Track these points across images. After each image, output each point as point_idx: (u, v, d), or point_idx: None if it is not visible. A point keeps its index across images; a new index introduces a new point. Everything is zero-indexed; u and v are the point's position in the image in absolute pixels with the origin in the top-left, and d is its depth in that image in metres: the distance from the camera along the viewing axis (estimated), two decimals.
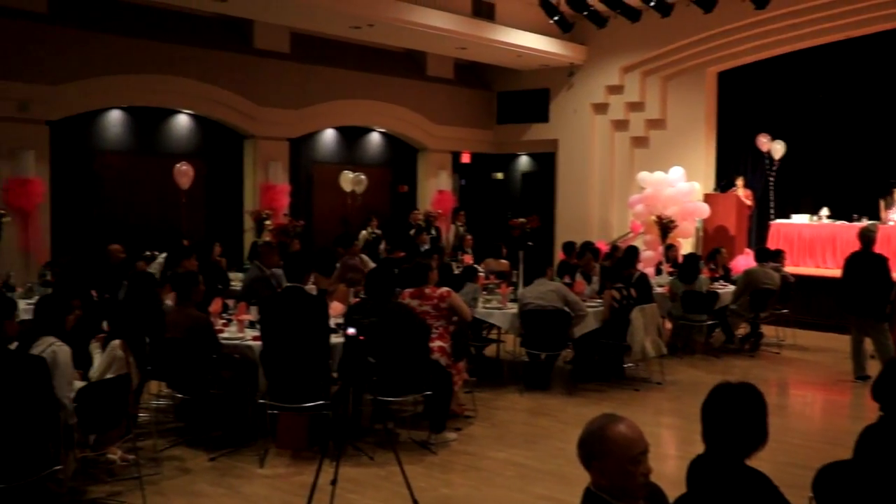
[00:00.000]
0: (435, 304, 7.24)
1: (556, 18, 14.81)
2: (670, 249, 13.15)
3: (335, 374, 6.93)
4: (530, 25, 16.40)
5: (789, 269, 12.40)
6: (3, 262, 10.77)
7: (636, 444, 2.84)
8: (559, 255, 12.97)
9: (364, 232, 15.60)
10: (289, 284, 6.90)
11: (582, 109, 18.12)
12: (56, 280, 9.21)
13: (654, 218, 15.25)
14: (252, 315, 7.54)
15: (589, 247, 11.42)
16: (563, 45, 17.17)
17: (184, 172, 13.49)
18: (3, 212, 11.38)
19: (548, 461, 6.80)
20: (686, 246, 15.21)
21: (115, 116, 13.78)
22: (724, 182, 16.50)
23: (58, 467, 5.10)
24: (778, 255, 11.89)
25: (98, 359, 6.31)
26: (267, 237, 13.17)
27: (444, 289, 7.39)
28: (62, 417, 5.08)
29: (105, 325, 7.11)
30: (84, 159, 13.40)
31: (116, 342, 6.25)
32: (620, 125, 17.88)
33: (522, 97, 19.13)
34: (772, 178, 16.10)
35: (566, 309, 8.66)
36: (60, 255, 10.91)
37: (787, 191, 16.29)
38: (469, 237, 15.41)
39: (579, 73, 18.02)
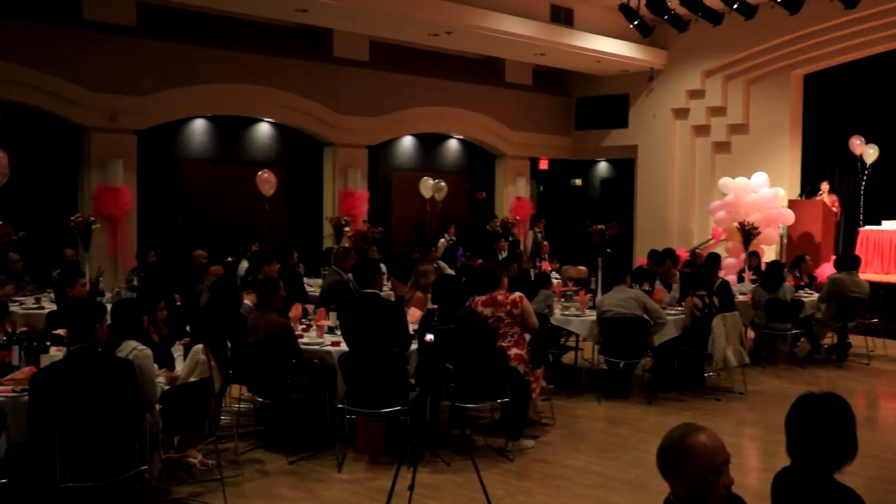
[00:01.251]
0: (508, 310, 7.19)
1: (635, 23, 14.64)
2: (753, 257, 12.86)
3: (413, 380, 6.95)
4: (609, 30, 16.26)
5: (880, 277, 11.99)
6: (92, 268, 11.10)
7: (717, 454, 2.77)
8: (639, 261, 12.82)
9: (443, 239, 15.68)
10: (366, 291, 6.97)
11: (662, 115, 17.89)
12: (142, 285, 9.44)
13: (736, 224, 14.92)
14: (331, 320, 7.62)
15: (669, 254, 11.24)
16: (643, 49, 16.99)
17: (266, 180, 13.73)
18: (93, 219, 11.74)
19: (626, 471, 6.71)
20: (769, 253, 14.86)
21: (198, 125, 14.12)
22: (809, 188, 16.07)
23: (144, 467, 5.22)
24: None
25: (180, 362, 6.46)
26: (346, 243, 13.30)
27: (517, 294, 7.33)
28: (148, 419, 5.20)
29: (188, 328, 7.27)
30: (169, 167, 13.76)
31: (199, 346, 6.38)
32: (701, 130, 17.59)
33: (601, 103, 18.97)
34: (863, 183, 15.61)
35: (645, 317, 8.53)
36: (145, 254, 11.20)
37: (877, 196, 15.77)
38: (546, 244, 15.33)
39: (659, 77, 17.80)
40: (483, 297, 7.29)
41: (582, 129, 19.45)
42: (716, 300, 9.14)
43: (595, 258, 11.27)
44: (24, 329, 7.26)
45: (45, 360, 5.64)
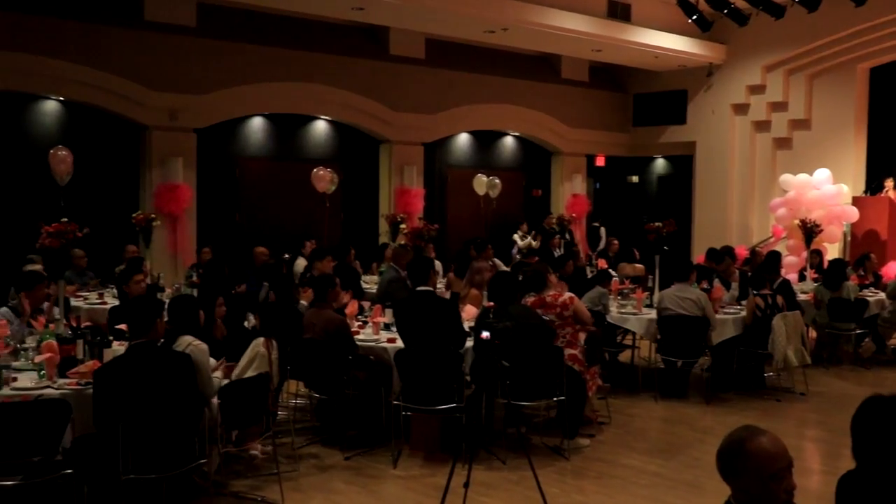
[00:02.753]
0: (559, 311, 7.13)
1: (694, 17, 14.46)
2: (815, 255, 12.61)
3: (468, 378, 6.95)
4: (668, 25, 16.06)
5: None
6: (153, 264, 11.31)
7: (778, 459, 2.70)
8: (697, 259, 12.65)
9: (517, 236, 15.70)
10: (421, 288, 6.98)
11: (721, 110, 17.63)
12: (201, 281, 9.58)
13: (797, 222, 14.64)
14: (387, 317, 7.65)
15: (728, 252, 11.07)
16: (702, 44, 16.76)
17: (321, 177, 13.83)
18: (153, 216, 11.95)
19: (683, 471, 6.62)
20: (832, 251, 14.56)
21: (256, 123, 14.28)
22: (874, 184, 15.69)
23: (203, 461, 5.31)
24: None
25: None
26: (402, 241, 13.35)
27: (567, 295, 7.25)
28: (206, 413, 5.27)
29: (253, 318, 7.35)
30: (227, 165, 13.94)
31: (260, 340, 6.45)
32: (762, 126, 17.30)
33: (659, 99, 18.76)
34: None
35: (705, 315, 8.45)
36: (202, 249, 11.37)
37: None
38: (616, 242, 15.14)
39: (718, 73, 17.54)
40: (532, 299, 7.23)
41: (639, 125, 19.26)
42: (778, 299, 8.98)
43: (652, 256, 11.16)
44: (87, 324, 7.42)
45: (108, 355, 5.75)
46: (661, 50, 16.27)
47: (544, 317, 7.03)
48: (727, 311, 9.21)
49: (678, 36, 16.28)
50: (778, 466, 2.69)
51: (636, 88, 19.21)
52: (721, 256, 10.83)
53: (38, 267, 8.38)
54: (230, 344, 6.68)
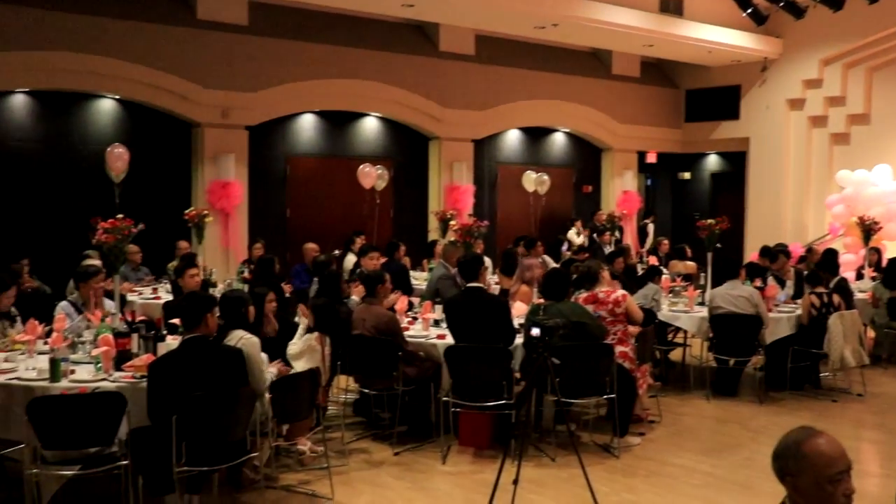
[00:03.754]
0: (610, 308, 7.07)
1: (749, 11, 14.25)
2: (873, 253, 12.35)
3: (518, 375, 6.93)
4: (721, 19, 15.84)
5: None
6: (205, 260, 11.45)
7: (836, 461, 2.63)
8: (751, 257, 12.47)
9: (572, 231, 15.63)
10: (471, 285, 6.98)
11: (776, 106, 17.34)
12: (252, 276, 9.69)
13: (854, 219, 14.34)
14: (437, 314, 7.66)
15: (783, 249, 10.90)
16: (757, 38, 16.50)
17: (367, 174, 13.89)
18: (206, 212, 12.10)
19: (736, 471, 6.53)
20: (891, 249, 14.23)
21: (307, 120, 14.38)
22: None
23: (254, 454, 5.36)
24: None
25: (297, 340, 6.58)
26: (452, 237, 13.35)
27: (620, 293, 7.20)
28: (257, 407, 5.32)
29: (302, 313, 7.40)
30: (278, 162, 14.07)
31: (314, 334, 6.50)
32: (818, 121, 16.98)
33: (712, 94, 18.51)
34: None
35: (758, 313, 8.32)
36: (254, 244, 11.47)
37: None
38: (665, 242, 14.98)
39: (773, 67, 17.25)
40: (584, 295, 7.20)
41: (691, 121, 19.02)
42: (834, 298, 8.81)
43: (704, 254, 11.03)
44: (142, 318, 7.54)
45: (161, 349, 5.84)
46: (714, 45, 16.05)
47: (596, 313, 6.99)
48: (781, 309, 9.07)
49: (732, 30, 16.04)
50: (836, 469, 2.63)
51: (688, 84, 18.97)
52: (775, 254, 10.66)
53: (96, 262, 8.52)
54: (281, 339, 6.74)
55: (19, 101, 11.79)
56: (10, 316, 6.78)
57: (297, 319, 7.03)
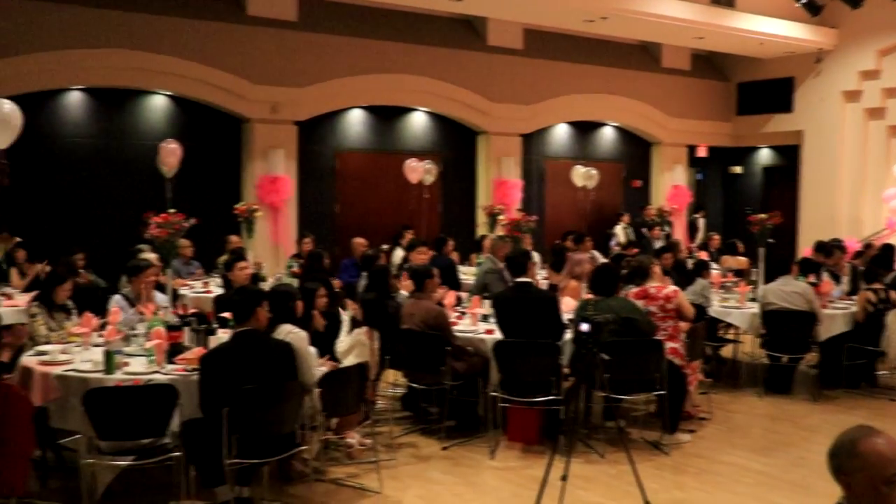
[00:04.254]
0: (661, 304, 7.00)
1: (803, 1, 13.98)
2: None
3: (567, 370, 6.90)
4: (774, 10, 15.58)
5: None
6: (255, 254, 11.57)
7: (893, 462, 2.56)
8: (804, 252, 12.27)
9: (618, 227, 15.54)
10: (519, 280, 6.96)
11: (830, 98, 17.02)
12: (302, 271, 9.75)
13: None
14: (485, 308, 7.65)
15: (838, 244, 10.70)
16: (811, 29, 16.20)
17: (413, 168, 13.92)
18: (255, 207, 12.22)
19: (789, 470, 6.43)
20: None
21: (355, 115, 14.44)
22: None
23: (304, 447, 5.40)
24: None
25: (345, 336, 6.62)
26: (500, 232, 13.33)
27: (671, 288, 7.13)
28: (307, 401, 5.36)
29: (350, 308, 7.44)
30: (326, 157, 14.15)
31: (363, 329, 6.53)
32: (875, 113, 16.62)
33: (764, 87, 18.22)
34: None
35: (812, 310, 8.18)
36: (304, 238, 11.54)
37: None
38: (716, 237, 14.80)
39: (828, 58, 16.92)
40: (634, 290, 7.14)
41: (743, 114, 18.74)
42: (892, 294, 8.63)
43: (756, 248, 10.88)
44: (193, 311, 7.64)
45: (212, 342, 5.91)
46: (767, 36, 15.79)
47: (646, 309, 6.92)
48: (836, 305, 8.91)
49: (786, 21, 15.77)
50: (892, 470, 2.56)
51: (740, 76, 18.70)
52: (830, 249, 10.47)
53: (151, 255, 8.65)
54: (329, 334, 6.78)
55: (75, 97, 12.01)
56: (67, 309, 6.91)
57: (343, 316, 7.07)
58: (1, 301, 8.47)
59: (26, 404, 5.02)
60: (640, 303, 6.97)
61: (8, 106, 9.31)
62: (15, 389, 5.00)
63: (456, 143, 15.57)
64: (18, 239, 9.82)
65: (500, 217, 14.40)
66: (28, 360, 5.76)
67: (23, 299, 8.25)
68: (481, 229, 14.71)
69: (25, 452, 5.01)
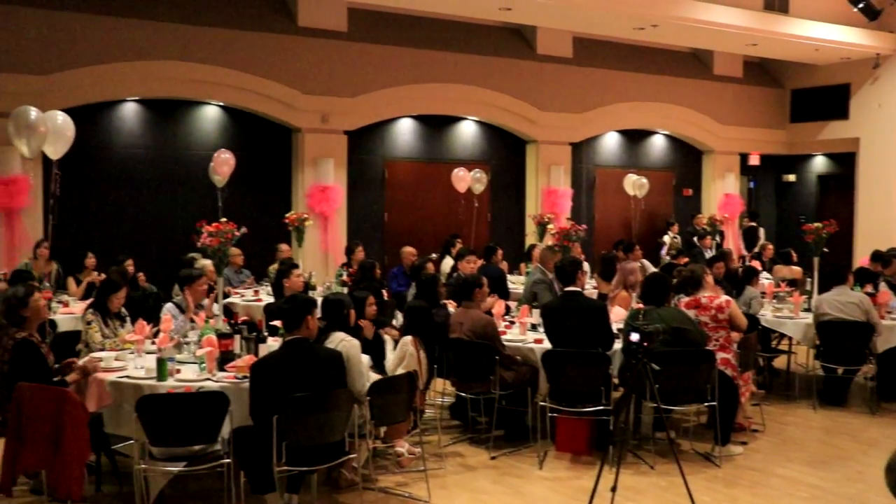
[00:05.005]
0: (713, 314, 6.90)
1: (860, 6, 13.73)
2: None
3: (616, 380, 6.84)
4: (830, 16, 15.33)
5: None
6: (305, 263, 11.65)
7: None
8: (861, 261, 12.03)
9: (666, 236, 15.39)
10: (568, 289, 6.92)
11: (889, 104, 16.69)
12: (352, 280, 9.81)
13: None
14: (534, 318, 7.62)
15: (895, 254, 10.46)
16: (869, 34, 15.90)
17: (461, 178, 13.93)
18: (305, 216, 12.32)
19: (845, 484, 6.29)
20: None
21: (404, 125, 14.51)
22: None
23: (352, 455, 5.42)
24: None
25: (391, 350, 6.65)
26: (549, 241, 13.28)
27: (724, 298, 7.02)
28: (356, 409, 5.38)
29: (402, 318, 7.46)
30: (376, 166, 14.23)
31: (408, 338, 6.54)
32: None
33: (819, 94, 17.94)
34: None
35: (869, 321, 8.01)
36: (352, 250, 11.59)
37: None
38: (770, 247, 14.55)
39: (886, 64, 16.59)
40: (686, 299, 7.05)
41: (797, 121, 18.46)
42: None
43: (810, 258, 10.69)
44: (244, 319, 7.72)
45: (263, 350, 5.96)
46: (822, 42, 15.54)
47: (698, 318, 6.84)
48: (894, 316, 8.70)
49: (842, 26, 15.51)
50: None
51: (794, 83, 18.43)
52: (888, 259, 10.25)
53: (206, 262, 8.76)
54: (377, 343, 6.81)
55: (130, 108, 12.24)
56: (121, 316, 7.02)
57: (386, 339, 7.08)
58: (58, 308, 8.64)
59: (82, 410, 5.12)
60: (691, 312, 6.89)
61: (61, 118, 9.55)
62: (71, 396, 5.10)
63: (505, 152, 15.56)
64: (56, 265, 10.00)
65: (550, 226, 14.35)
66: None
67: (79, 307, 8.42)
68: (530, 238, 14.67)
69: (81, 457, 5.11)
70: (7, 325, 5.59)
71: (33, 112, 9.17)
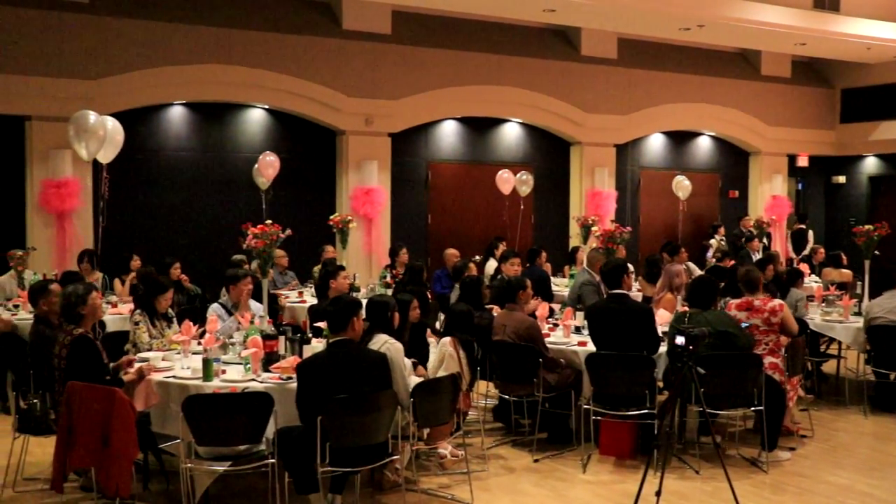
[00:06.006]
0: (766, 317, 6.79)
1: None
2: None
3: (661, 384, 6.78)
4: (882, 13, 15.05)
5: None
6: (348, 265, 11.70)
7: None
8: None
9: (713, 240, 15.22)
10: (613, 292, 6.87)
11: None
12: (398, 282, 9.83)
13: None
14: (578, 320, 7.58)
15: None
16: None
17: (505, 180, 13.90)
18: (349, 218, 12.39)
19: None
20: None
21: (448, 127, 14.52)
22: None
23: (395, 457, 5.43)
24: None
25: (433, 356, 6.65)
26: (594, 243, 13.20)
27: (777, 302, 6.90)
28: (399, 411, 5.38)
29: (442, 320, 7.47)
30: (419, 168, 14.26)
31: (447, 339, 6.54)
32: None
33: (871, 93, 17.61)
34: None
35: None
36: (396, 252, 11.62)
37: None
38: (822, 250, 14.32)
39: None
40: (738, 301, 6.95)
41: (847, 122, 18.14)
42: None
43: (860, 261, 10.52)
44: (289, 322, 7.77)
45: (307, 351, 6.00)
46: (874, 41, 15.24)
47: (749, 321, 6.73)
48: None
49: (895, 24, 15.20)
50: None
51: (844, 83, 18.11)
52: None
53: (251, 265, 8.84)
54: (416, 345, 6.80)
55: (177, 112, 12.41)
56: (168, 317, 7.11)
57: (431, 343, 7.08)
58: (107, 309, 8.77)
59: (130, 410, 5.19)
60: (742, 314, 6.77)
61: (111, 123, 9.71)
62: (120, 395, 5.18)
63: (549, 154, 15.51)
64: (101, 274, 10.13)
65: (594, 228, 14.26)
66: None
67: (127, 307, 8.54)
68: (574, 241, 14.60)
69: (129, 456, 5.19)
70: (64, 322, 5.70)
71: (92, 116, 9.33)
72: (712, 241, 15.19)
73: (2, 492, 5.83)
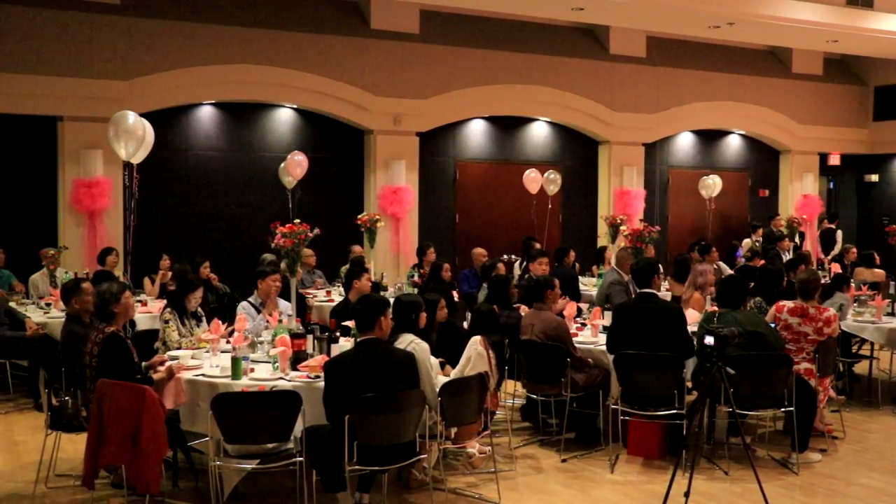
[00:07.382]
0: (819, 326, 6.65)
1: None
2: None
3: (690, 384, 6.73)
4: None
5: None
6: (376, 264, 11.74)
7: None
8: None
9: (748, 240, 15.09)
10: (642, 291, 6.83)
11: None
12: (423, 281, 9.84)
13: None
14: (606, 320, 7.54)
15: None
16: None
17: (532, 179, 13.87)
18: (377, 217, 12.41)
19: None
20: None
21: (476, 126, 14.52)
22: None
23: (423, 456, 5.44)
24: None
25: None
26: (622, 243, 13.14)
27: (831, 312, 6.73)
28: (426, 410, 5.39)
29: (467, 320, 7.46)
30: (447, 167, 14.27)
31: (477, 338, 6.53)
32: None
33: None
34: None
35: None
36: (424, 251, 11.60)
37: None
38: (854, 250, 14.15)
39: None
40: (791, 305, 6.81)
41: (880, 119, 17.93)
42: None
43: (893, 261, 10.39)
44: (317, 321, 7.80)
45: (335, 350, 6.01)
46: None
47: (800, 327, 6.63)
48: None
49: None
50: None
51: (877, 80, 17.89)
52: None
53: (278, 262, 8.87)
54: (443, 343, 6.79)
55: (206, 112, 12.50)
56: (197, 316, 7.16)
57: (465, 325, 7.09)
58: (137, 307, 8.85)
59: (160, 408, 5.23)
60: (794, 320, 6.66)
61: (142, 124, 9.78)
62: (150, 393, 5.22)
63: (577, 153, 15.46)
64: (126, 278, 10.21)
65: (622, 227, 14.18)
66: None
67: (156, 306, 8.62)
68: (602, 240, 14.54)
69: (159, 453, 5.23)
70: (96, 319, 5.75)
71: (131, 116, 9.40)
72: (746, 241, 15.06)
73: (35, 488, 5.91)
